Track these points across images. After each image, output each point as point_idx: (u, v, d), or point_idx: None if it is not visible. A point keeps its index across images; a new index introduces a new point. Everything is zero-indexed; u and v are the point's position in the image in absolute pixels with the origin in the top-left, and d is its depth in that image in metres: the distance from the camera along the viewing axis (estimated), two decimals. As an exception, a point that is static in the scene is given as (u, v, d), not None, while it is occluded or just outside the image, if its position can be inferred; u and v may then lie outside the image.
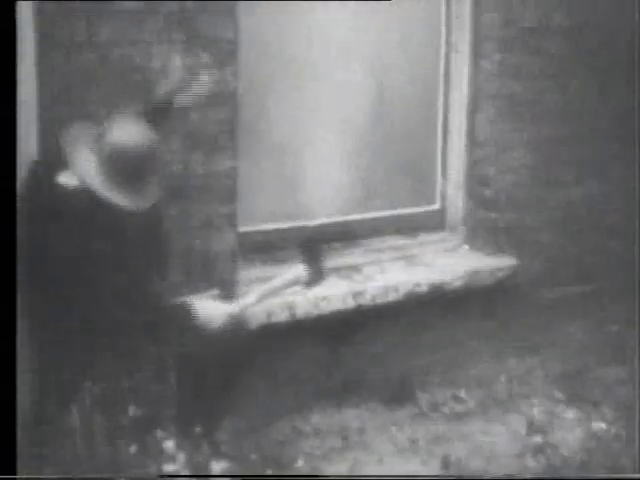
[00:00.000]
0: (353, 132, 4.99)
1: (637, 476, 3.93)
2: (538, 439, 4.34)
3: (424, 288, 4.77)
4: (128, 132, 3.67)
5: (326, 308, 4.54)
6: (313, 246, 4.11)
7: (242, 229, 4.50)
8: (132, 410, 3.91)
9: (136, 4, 4.04)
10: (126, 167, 3.64)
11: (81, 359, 3.72)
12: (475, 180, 5.09)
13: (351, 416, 4.53)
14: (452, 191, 5.15)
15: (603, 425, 4.42)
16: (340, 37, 4.85)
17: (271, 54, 4.65)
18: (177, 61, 4.08)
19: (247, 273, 4.50)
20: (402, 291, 4.71)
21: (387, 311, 4.70)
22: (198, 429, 3.93)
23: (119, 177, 3.63)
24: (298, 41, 4.74)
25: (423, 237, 5.13)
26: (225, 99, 4.29)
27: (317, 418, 4.47)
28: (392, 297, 4.69)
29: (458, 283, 4.86)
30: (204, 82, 4.16)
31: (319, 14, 4.77)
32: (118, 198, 3.62)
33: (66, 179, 3.68)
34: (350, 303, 4.61)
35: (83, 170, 3.65)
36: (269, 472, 4.00)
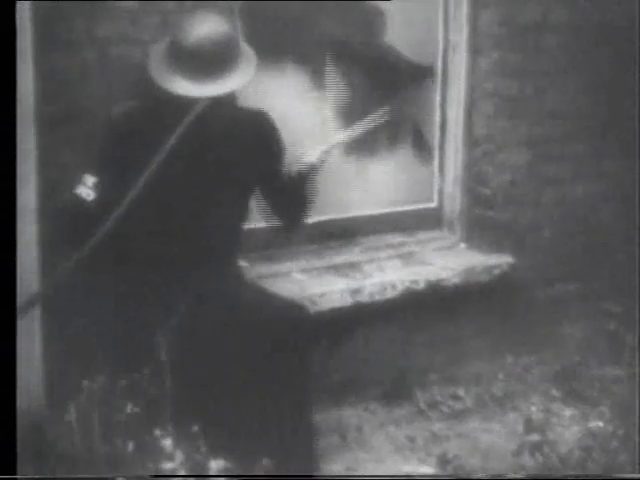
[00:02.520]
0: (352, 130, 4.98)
1: (636, 476, 3.93)
2: (536, 437, 4.33)
3: (421, 286, 4.77)
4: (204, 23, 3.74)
5: (324, 305, 4.54)
6: None
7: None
8: (130, 408, 3.91)
9: (134, 3, 4.03)
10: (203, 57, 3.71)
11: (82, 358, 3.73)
12: (472, 178, 5.09)
13: (349, 414, 4.53)
14: (449, 189, 5.15)
15: (601, 423, 4.41)
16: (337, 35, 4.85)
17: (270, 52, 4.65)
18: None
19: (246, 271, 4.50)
20: (399, 289, 4.71)
21: (384, 309, 4.70)
22: (196, 428, 3.92)
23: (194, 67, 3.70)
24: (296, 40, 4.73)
25: (420, 235, 5.13)
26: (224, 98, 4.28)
27: (315, 416, 4.46)
28: (390, 295, 4.69)
29: (455, 281, 4.86)
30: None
31: (314, 12, 4.76)
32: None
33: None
34: (348, 300, 4.61)
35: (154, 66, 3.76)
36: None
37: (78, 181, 3.73)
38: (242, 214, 4.04)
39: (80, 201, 3.71)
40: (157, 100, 3.82)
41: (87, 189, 3.72)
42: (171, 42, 3.78)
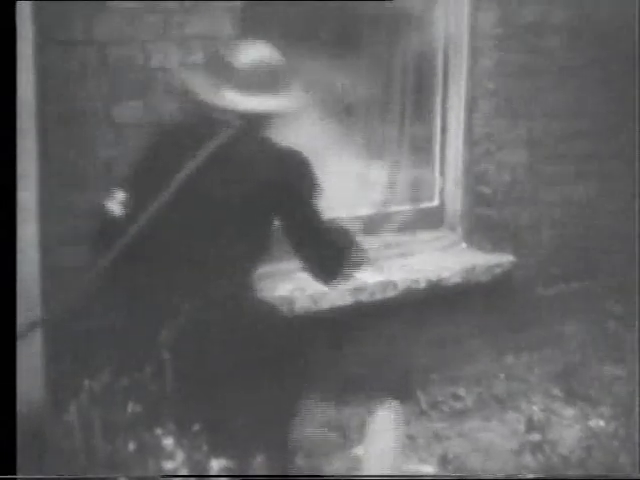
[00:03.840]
0: (351, 129, 4.99)
1: (636, 476, 3.94)
2: (536, 437, 4.34)
3: (422, 285, 4.77)
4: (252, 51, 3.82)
5: (324, 305, 4.54)
6: None
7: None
8: (131, 407, 3.91)
9: (134, 3, 4.04)
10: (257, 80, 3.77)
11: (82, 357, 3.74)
12: (473, 177, 5.09)
13: (350, 413, 4.53)
14: (450, 188, 5.15)
15: (602, 423, 4.42)
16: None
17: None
18: None
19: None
20: (400, 288, 4.71)
21: (385, 308, 4.70)
22: (197, 427, 3.93)
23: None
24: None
25: (421, 234, 5.13)
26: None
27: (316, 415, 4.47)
28: (390, 294, 4.70)
29: (456, 280, 4.86)
30: None
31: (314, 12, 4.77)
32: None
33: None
34: (348, 299, 4.61)
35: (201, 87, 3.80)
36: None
37: (108, 195, 3.76)
38: (258, 247, 3.99)
39: (108, 215, 3.76)
40: (197, 120, 3.86)
41: (116, 204, 3.75)
42: (220, 60, 3.83)
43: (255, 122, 3.81)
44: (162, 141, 3.89)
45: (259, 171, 3.79)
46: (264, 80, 3.79)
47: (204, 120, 3.80)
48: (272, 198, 3.80)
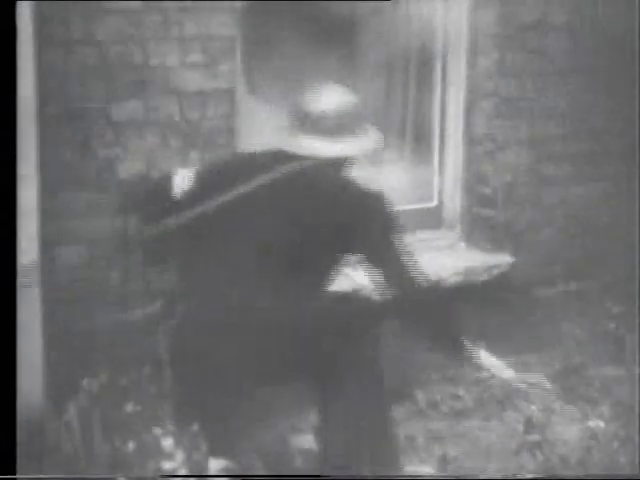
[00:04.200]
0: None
1: (636, 476, 3.94)
2: (536, 437, 4.34)
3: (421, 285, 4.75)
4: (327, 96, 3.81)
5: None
6: None
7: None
8: (130, 407, 3.91)
9: (134, 2, 4.04)
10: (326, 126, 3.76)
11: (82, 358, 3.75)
12: (472, 178, 5.09)
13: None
14: (449, 188, 5.15)
15: (601, 423, 4.42)
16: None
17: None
18: None
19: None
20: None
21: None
22: (196, 427, 3.93)
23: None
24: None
25: (420, 234, 5.12)
26: (223, 97, 4.29)
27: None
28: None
29: (455, 280, 4.85)
30: None
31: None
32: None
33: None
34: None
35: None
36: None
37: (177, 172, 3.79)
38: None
39: (168, 187, 3.78)
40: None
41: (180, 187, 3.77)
42: (299, 108, 3.81)
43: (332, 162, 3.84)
44: (241, 161, 3.95)
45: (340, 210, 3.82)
46: (343, 125, 3.79)
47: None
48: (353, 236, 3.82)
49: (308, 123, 3.76)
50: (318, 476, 3.74)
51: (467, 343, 3.88)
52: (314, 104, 3.78)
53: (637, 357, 4.76)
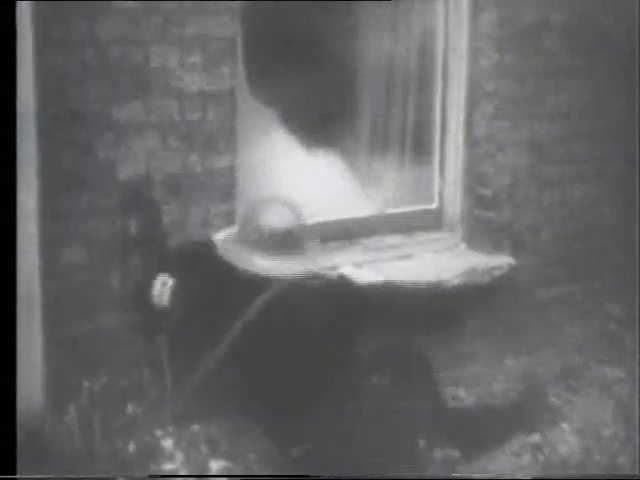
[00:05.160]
0: (352, 132, 5.00)
1: (636, 476, 3.94)
2: (536, 437, 4.34)
3: (422, 287, 4.76)
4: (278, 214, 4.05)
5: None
6: None
7: (241, 228, 4.50)
8: (130, 409, 3.92)
9: (134, 3, 4.04)
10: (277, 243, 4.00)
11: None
12: (473, 179, 5.09)
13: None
14: (450, 190, 5.15)
15: (601, 424, 4.43)
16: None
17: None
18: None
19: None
20: (400, 289, 4.71)
21: (385, 310, 4.69)
22: (196, 428, 3.94)
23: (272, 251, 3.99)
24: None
25: (421, 236, 5.13)
26: (223, 97, 4.29)
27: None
28: (390, 296, 4.69)
29: (456, 282, 4.85)
30: None
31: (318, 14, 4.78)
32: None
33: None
34: (348, 301, 4.61)
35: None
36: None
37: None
38: None
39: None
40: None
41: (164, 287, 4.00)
42: (251, 226, 4.03)
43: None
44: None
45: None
46: (290, 244, 4.02)
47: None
48: None
49: (261, 242, 3.97)
50: (318, 476, 3.74)
51: None
52: (266, 223, 3.99)
53: (637, 358, 4.77)
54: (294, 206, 4.10)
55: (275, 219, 4.03)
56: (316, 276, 4.25)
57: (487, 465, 4.12)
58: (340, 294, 4.39)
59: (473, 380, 4.75)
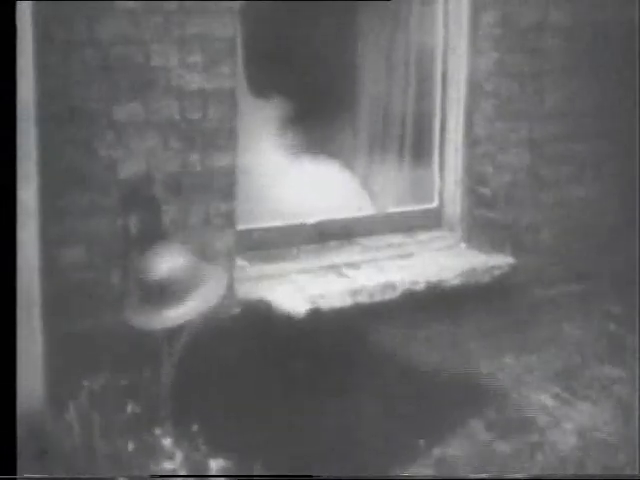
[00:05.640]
0: (351, 131, 5.00)
1: (636, 476, 3.93)
2: (535, 437, 4.33)
3: (421, 286, 4.76)
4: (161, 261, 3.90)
5: (324, 306, 4.53)
6: None
7: (241, 227, 4.50)
8: (130, 408, 3.91)
9: (134, 3, 4.04)
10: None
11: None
12: (473, 178, 5.09)
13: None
14: (450, 189, 5.15)
15: (601, 424, 4.42)
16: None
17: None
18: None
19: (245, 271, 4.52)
20: (400, 289, 4.71)
21: (384, 309, 4.69)
22: (196, 427, 3.93)
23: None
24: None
25: (421, 235, 5.13)
26: (224, 97, 4.29)
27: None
28: (389, 295, 4.69)
29: (455, 281, 4.85)
30: None
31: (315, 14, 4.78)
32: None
33: None
34: (347, 301, 4.61)
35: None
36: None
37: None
38: None
39: None
40: None
41: None
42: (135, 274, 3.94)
43: None
44: None
45: None
46: (174, 292, 3.86)
47: None
48: None
49: (150, 292, 3.88)
50: (318, 476, 3.74)
51: None
52: (152, 271, 3.87)
53: (637, 358, 4.76)
54: (177, 249, 3.99)
55: (160, 267, 3.89)
56: (238, 303, 4.23)
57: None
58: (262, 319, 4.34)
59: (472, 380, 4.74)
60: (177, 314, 3.85)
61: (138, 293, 3.88)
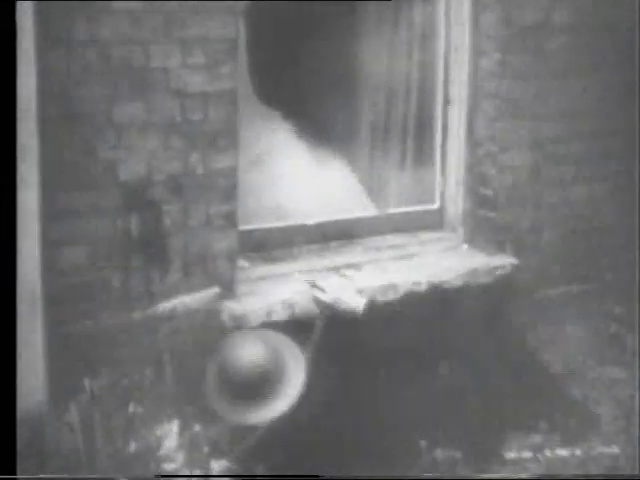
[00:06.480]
0: (353, 132, 5.00)
1: (636, 476, 3.94)
2: (536, 437, 4.34)
3: (423, 287, 4.76)
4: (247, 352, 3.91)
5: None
6: None
7: (242, 228, 4.50)
8: (131, 408, 3.92)
9: (135, 3, 4.04)
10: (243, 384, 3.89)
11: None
12: (475, 179, 5.09)
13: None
14: (452, 190, 5.15)
15: (601, 424, 4.42)
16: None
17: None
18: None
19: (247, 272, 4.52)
20: (401, 290, 4.71)
21: (386, 310, 4.69)
22: (197, 428, 3.94)
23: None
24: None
25: (423, 236, 5.13)
26: (225, 98, 4.29)
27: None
28: (391, 296, 4.69)
29: (457, 282, 4.85)
30: None
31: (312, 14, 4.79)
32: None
33: None
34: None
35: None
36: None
37: None
38: None
39: None
40: None
41: None
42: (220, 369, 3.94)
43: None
44: None
45: None
46: (259, 388, 3.89)
47: None
48: None
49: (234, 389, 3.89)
50: (318, 476, 3.75)
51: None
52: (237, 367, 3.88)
53: (637, 358, 4.76)
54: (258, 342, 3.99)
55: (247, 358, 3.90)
56: None
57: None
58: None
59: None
60: (269, 411, 3.90)
61: (229, 390, 3.89)
